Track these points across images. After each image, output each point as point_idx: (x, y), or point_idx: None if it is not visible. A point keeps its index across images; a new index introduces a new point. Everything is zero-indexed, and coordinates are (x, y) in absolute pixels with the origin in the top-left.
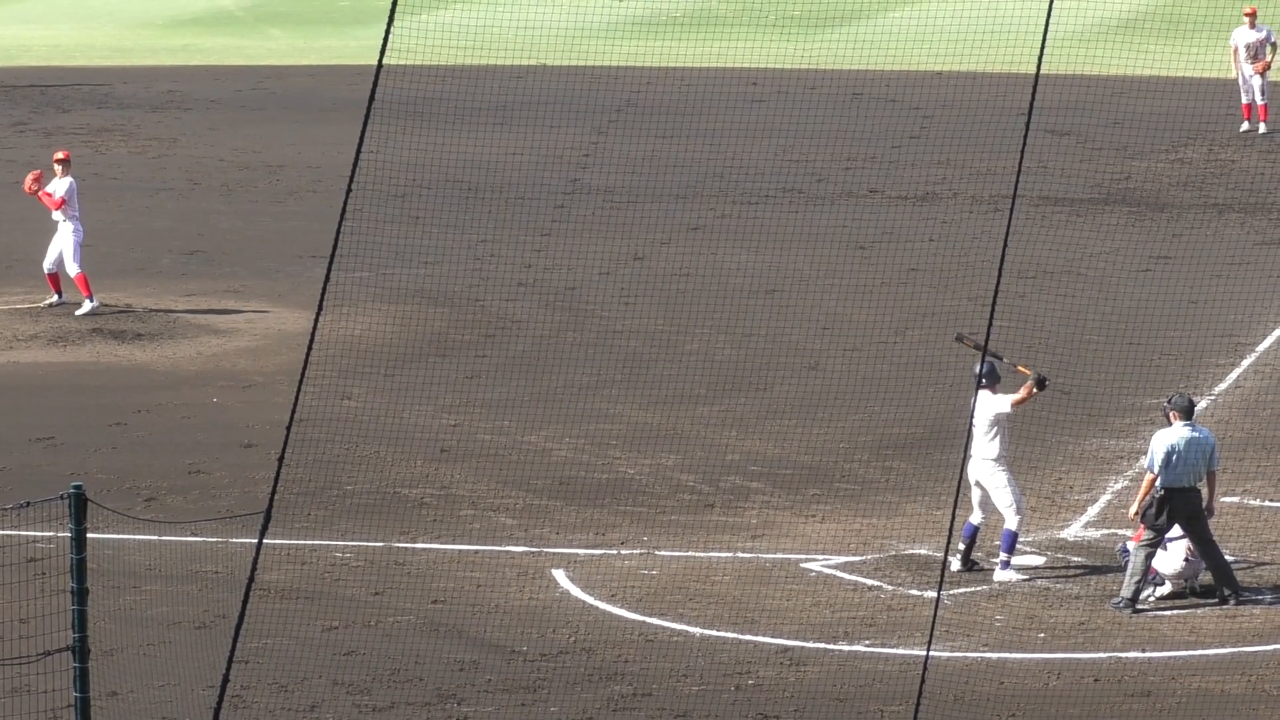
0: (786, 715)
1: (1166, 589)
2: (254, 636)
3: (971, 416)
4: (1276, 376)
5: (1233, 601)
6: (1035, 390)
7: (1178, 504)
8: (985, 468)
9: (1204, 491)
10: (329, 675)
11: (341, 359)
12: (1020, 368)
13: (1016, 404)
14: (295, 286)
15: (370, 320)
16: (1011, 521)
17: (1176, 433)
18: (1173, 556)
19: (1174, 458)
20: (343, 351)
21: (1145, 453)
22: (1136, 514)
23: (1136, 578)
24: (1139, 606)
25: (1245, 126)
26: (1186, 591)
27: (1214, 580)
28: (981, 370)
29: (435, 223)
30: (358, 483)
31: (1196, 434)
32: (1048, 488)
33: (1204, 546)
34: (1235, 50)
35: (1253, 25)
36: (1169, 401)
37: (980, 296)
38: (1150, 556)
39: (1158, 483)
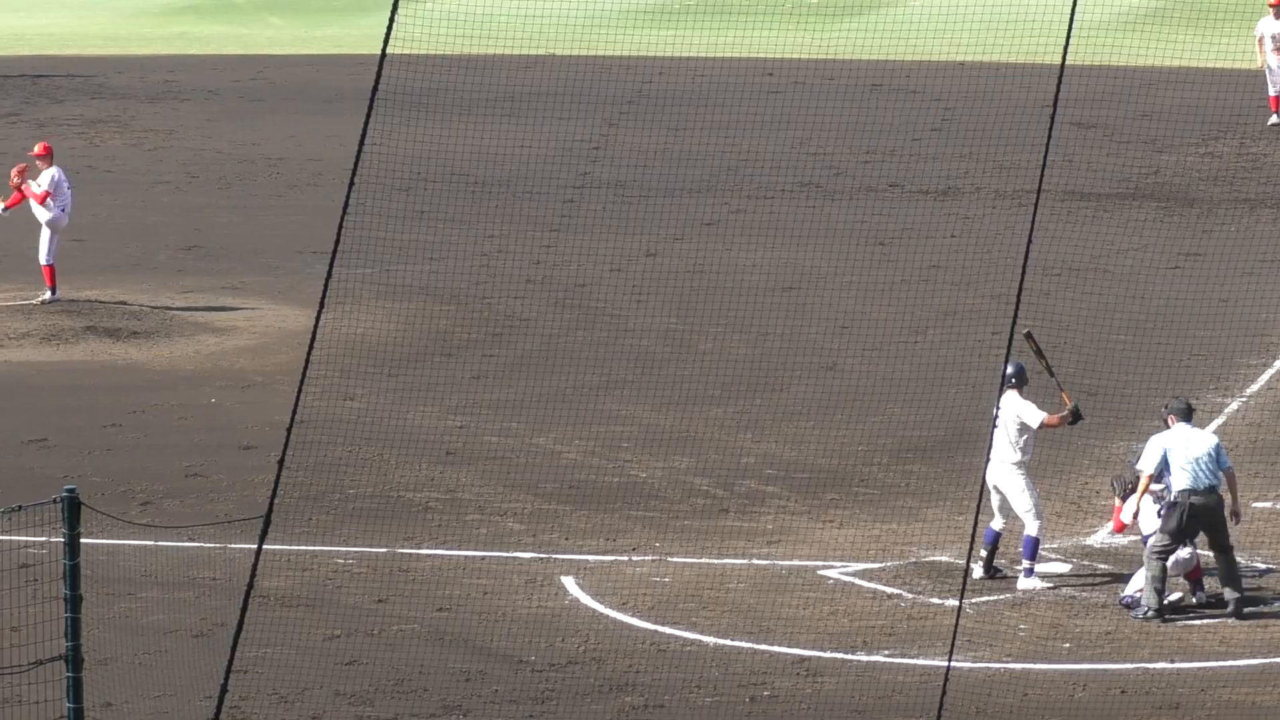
0: None
1: (1176, 595)
2: (253, 645)
3: (995, 418)
4: None
5: (1232, 604)
6: (1069, 422)
7: (1198, 508)
8: (1004, 471)
9: (1226, 499)
10: (330, 686)
11: (344, 358)
12: (1065, 395)
13: (1046, 424)
14: (296, 283)
15: (373, 318)
16: (1032, 527)
17: (1174, 432)
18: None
19: (1172, 456)
20: (345, 351)
21: None
22: (1135, 516)
23: (1157, 585)
24: (1167, 616)
25: (1274, 119)
26: (1195, 600)
27: (1223, 585)
28: (1007, 370)
29: (440, 218)
30: (360, 486)
31: (1195, 432)
32: (1073, 492)
33: (1222, 555)
34: (1260, 40)
35: (1279, 16)
36: (1166, 406)
37: (1004, 294)
38: (1166, 561)
39: (1174, 488)
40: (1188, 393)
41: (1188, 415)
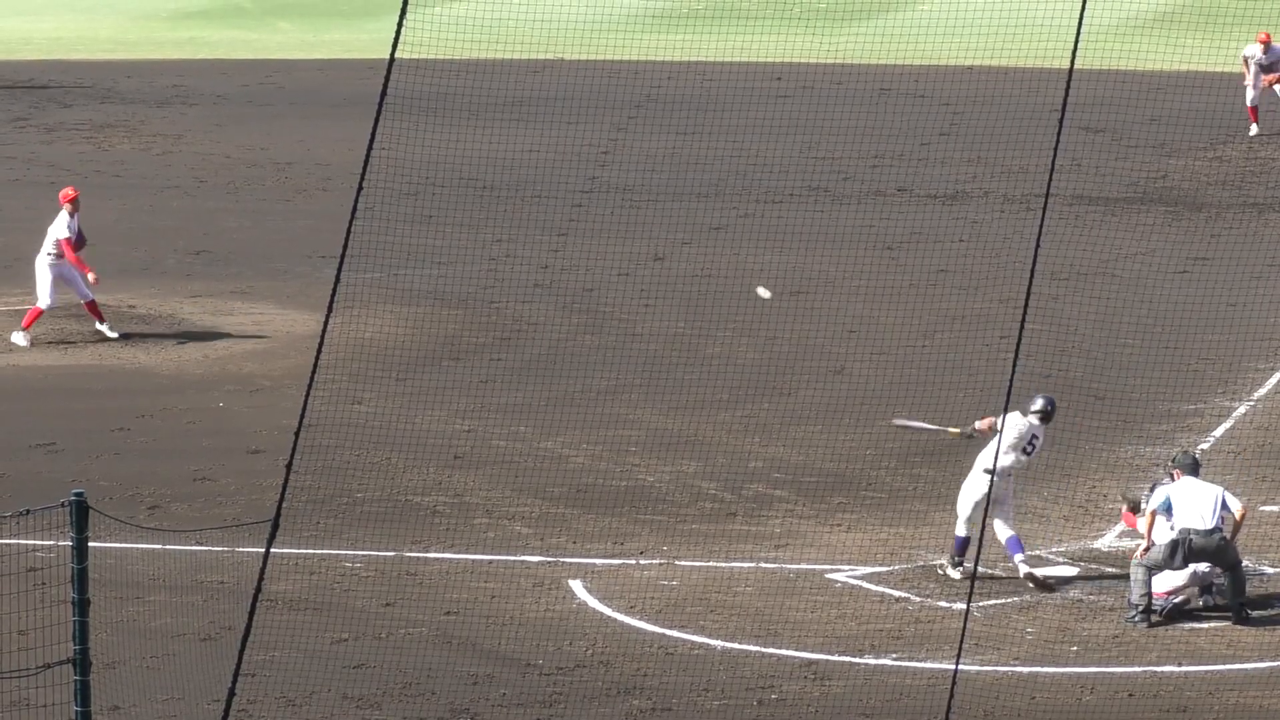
0: None
1: (1182, 598)
2: (261, 649)
3: (1001, 434)
4: None
5: (1235, 609)
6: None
7: (1197, 547)
8: (973, 474)
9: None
10: (338, 689)
11: (352, 362)
12: (951, 430)
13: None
14: (304, 287)
15: (381, 322)
16: (960, 527)
17: (1179, 484)
18: (1173, 576)
19: (1174, 500)
20: (353, 355)
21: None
22: (1144, 552)
23: (1141, 591)
24: (1171, 619)
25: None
26: (1201, 604)
27: (1228, 592)
28: (1038, 403)
29: (449, 222)
30: (368, 490)
31: (1200, 484)
32: (1081, 496)
33: (1232, 571)
34: (1245, 61)
35: (1266, 51)
36: (1173, 460)
37: (1012, 299)
38: (1150, 571)
39: (1176, 526)
40: (1196, 396)
41: (1194, 469)
